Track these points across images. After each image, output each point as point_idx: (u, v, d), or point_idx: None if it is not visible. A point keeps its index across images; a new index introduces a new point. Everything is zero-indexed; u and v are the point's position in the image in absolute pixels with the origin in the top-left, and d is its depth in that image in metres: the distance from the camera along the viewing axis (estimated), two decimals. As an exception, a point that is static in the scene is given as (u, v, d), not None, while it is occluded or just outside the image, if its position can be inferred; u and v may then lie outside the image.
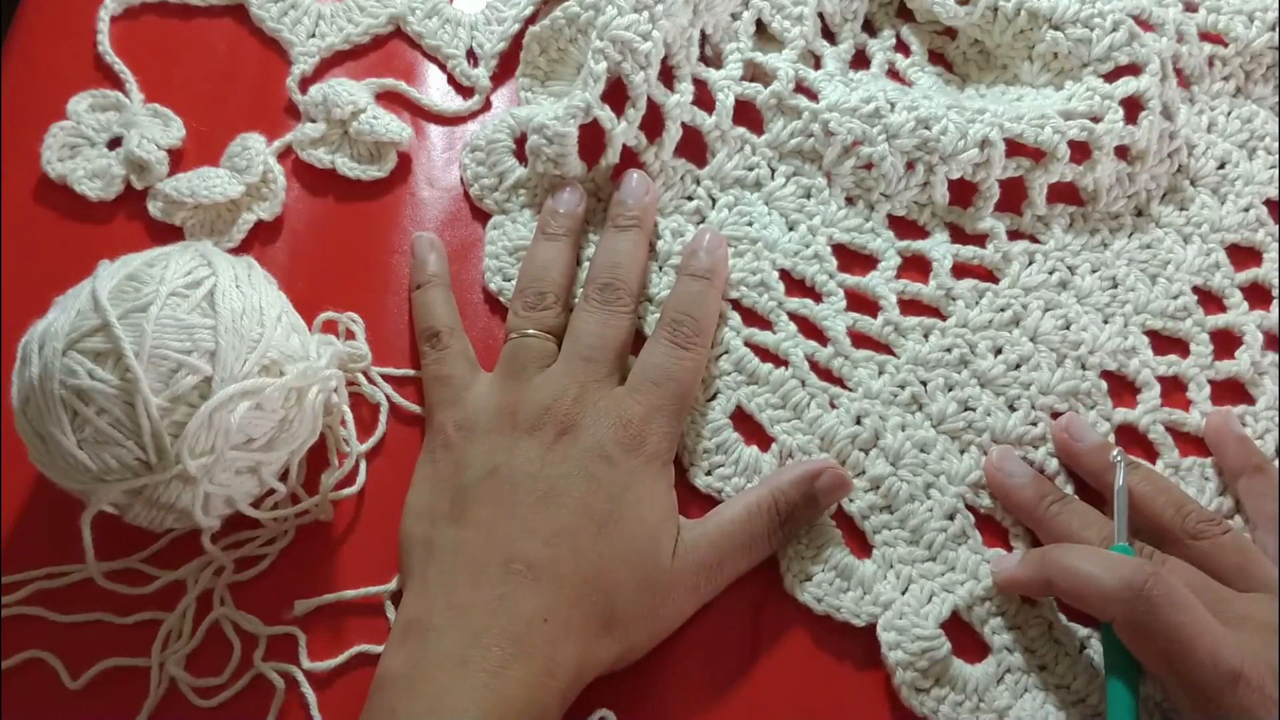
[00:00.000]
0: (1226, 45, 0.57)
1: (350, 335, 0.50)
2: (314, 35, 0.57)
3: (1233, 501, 0.49)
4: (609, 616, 0.42)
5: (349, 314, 0.51)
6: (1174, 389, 0.51)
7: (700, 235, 0.50)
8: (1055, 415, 0.50)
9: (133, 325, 0.40)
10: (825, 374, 0.50)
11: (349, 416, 0.48)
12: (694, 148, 0.54)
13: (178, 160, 0.54)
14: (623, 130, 0.51)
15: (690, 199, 0.54)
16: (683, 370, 0.47)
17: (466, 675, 0.39)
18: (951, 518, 0.48)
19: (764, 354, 0.50)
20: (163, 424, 0.40)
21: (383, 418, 0.49)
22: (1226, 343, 0.52)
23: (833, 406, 0.49)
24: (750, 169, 0.54)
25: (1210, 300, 0.53)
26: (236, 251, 0.52)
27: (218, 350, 0.41)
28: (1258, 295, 0.53)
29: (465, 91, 0.57)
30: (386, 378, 0.50)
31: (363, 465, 0.48)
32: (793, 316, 0.51)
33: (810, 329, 0.51)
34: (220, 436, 0.41)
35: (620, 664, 0.43)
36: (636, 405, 0.46)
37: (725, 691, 0.45)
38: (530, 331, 0.48)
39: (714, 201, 0.54)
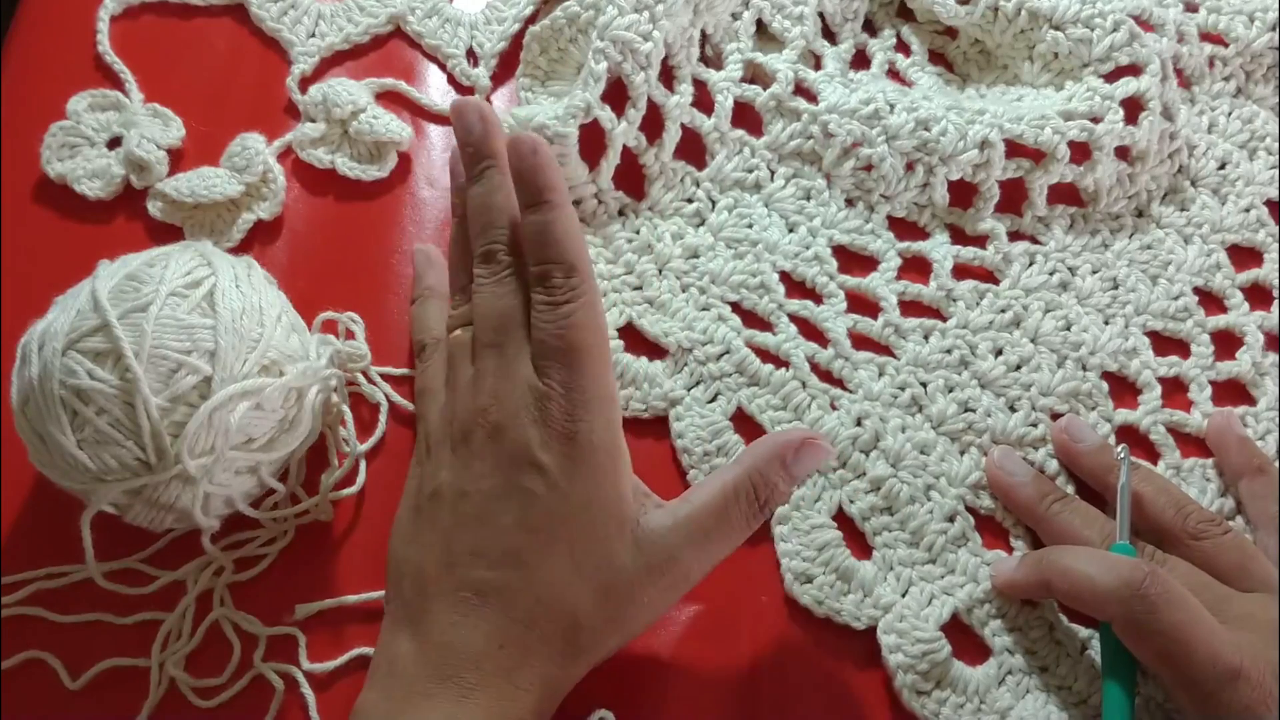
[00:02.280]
0: (1227, 45, 0.57)
1: (350, 335, 0.50)
2: (314, 35, 0.57)
3: (1234, 503, 0.49)
4: (571, 629, 0.40)
5: (349, 314, 0.50)
6: (1175, 390, 0.51)
7: (518, 145, 0.43)
8: (1056, 417, 0.50)
9: (132, 325, 0.40)
10: (826, 375, 0.50)
11: (349, 416, 0.48)
12: (693, 149, 0.54)
13: (177, 160, 0.54)
14: (623, 130, 0.51)
15: (690, 201, 0.54)
16: (574, 325, 0.41)
17: (432, 706, 0.38)
18: (952, 519, 0.48)
19: (765, 355, 0.50)
20: (162, 424, 0.40)
21: (382, 418, 0.49)
22: (1227, 343, 0.52)
23: (833, 408, 0.49)
24: (750, 171, 0.54)
25: (1211, 301, 0.53)
26: (236, 251, 0.52)
27: (217, 350, 0.41)
28: (1258, 296, 0.53)
29: (465, 91, 0.57)
30: (386, 377, 0.50)
31: (362, 465, 0.48)
32: (793, 318, 0.51)
33: (811, 330, 0.51)
34: (220, 436, 0.41)
35: (598, 663, 0.42)
36: (549, 391, 0.40)
37: (725, 693, 0.45)
38: (455, 332, 0.45)
39: (714, 203, 0.54)
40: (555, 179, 0.43)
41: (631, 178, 0.53)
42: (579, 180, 0.52)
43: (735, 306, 0.51)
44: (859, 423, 0.49)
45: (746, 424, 0.49)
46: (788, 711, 0.45)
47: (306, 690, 0.44)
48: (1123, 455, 0.47)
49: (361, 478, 0.48)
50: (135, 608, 0.45)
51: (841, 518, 0.48)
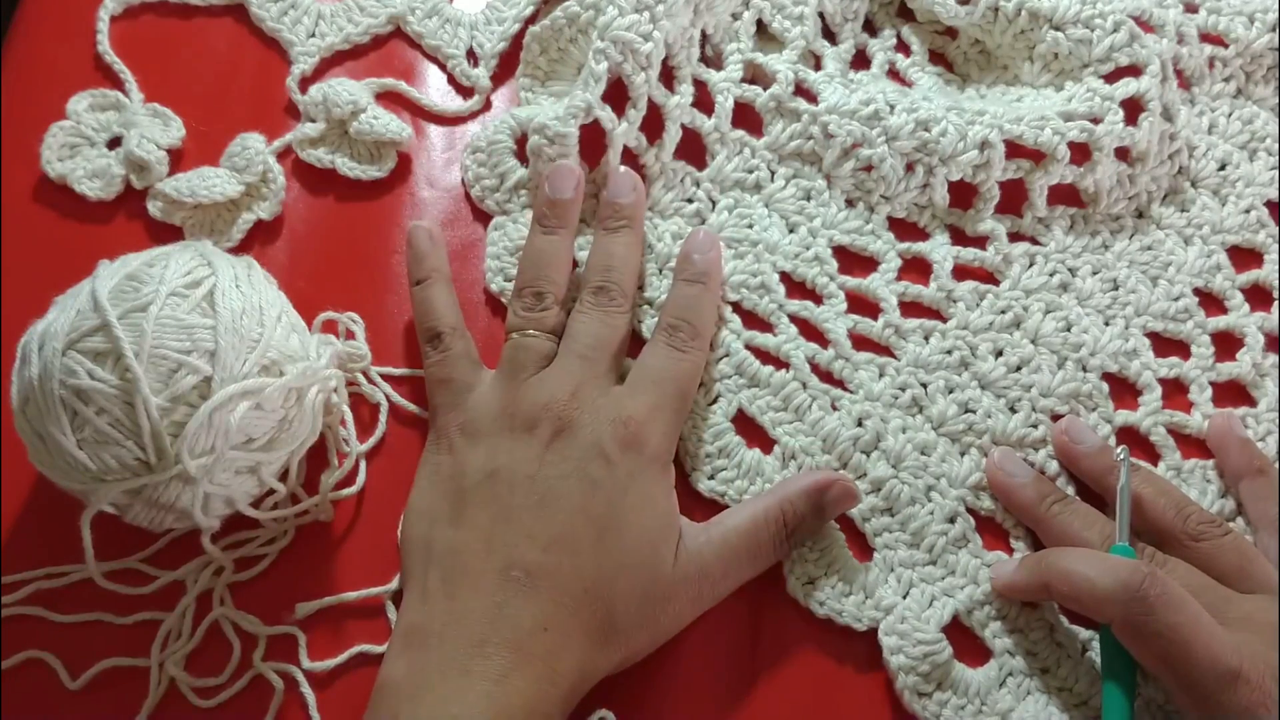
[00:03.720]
0: (1227, 46, 0.57)
1: (350, 335, 0.50)
2: (314, 35, 0.57)
3: (1234, 504, 0.49)
4: (609, 624, 0.42)
5: (349, 314, 0.50)
6: (1175, 391, 0.51)
7: (693, 237, 0.50)
8: (1056, 418, 0.50)
9: (132, 325, 0.40)
10: (826, 376, 0.50)
11: (349, 416, 0.48)
12: (693, 150, 0.54)
13: (177, 160, 0.54)
14: (623, 131, 0.51)
15: (690, 201, 0.54)
16: (681, 372, 0.47)
17: (470, 684, 0.39)
18: (952, 520, 0.48)
19: (765, 356, 0.50)
20: (162, 424, 0.40)
21: (382, 418, 0.49)
22: (1228, 344, 0.52)
23: (834, 409, 0.49)
24: (750, 171, 0.54)
25: (1211, 302, 0.53)
26: (236, 251, 0.52)
27: (217, 350, 0.41)
28: (1259, 297, 0.53)
29: (465, 91, 0.57)
30: (386, 377, 0.50)
31: (362, 465, 0.48)
32: (794, 319, 0.51)
33: (811, 331, 0.51)
34: (220, 436, 0.41)
35: (619, 669, 0.43)
36: (635, 404, 0.45)
37: (726, 694, 0.45)
38: (530, 332, 0.47)
39: (714, 204, 0.54)
40: (720, 269, 0.50)
41: (632, 178, 0.53)
42: (579, 180, 0.52)
43: (735, 307, 0.51)
44: (859, 423, 0.49)
45: (748, 425, 0.49)
46: (788, 712, 0.45)
47: (306, 690, 0.44)
48: (1123, 456, 0.47)
49: (361, 477, 0.48)
50: (135, 607, 0.45)
51: (843, 519, 0.48)
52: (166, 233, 0.52)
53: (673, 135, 0.53)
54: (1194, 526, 0.45)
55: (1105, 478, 0.47)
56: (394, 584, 0.46)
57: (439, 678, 0.40)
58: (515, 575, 0.41)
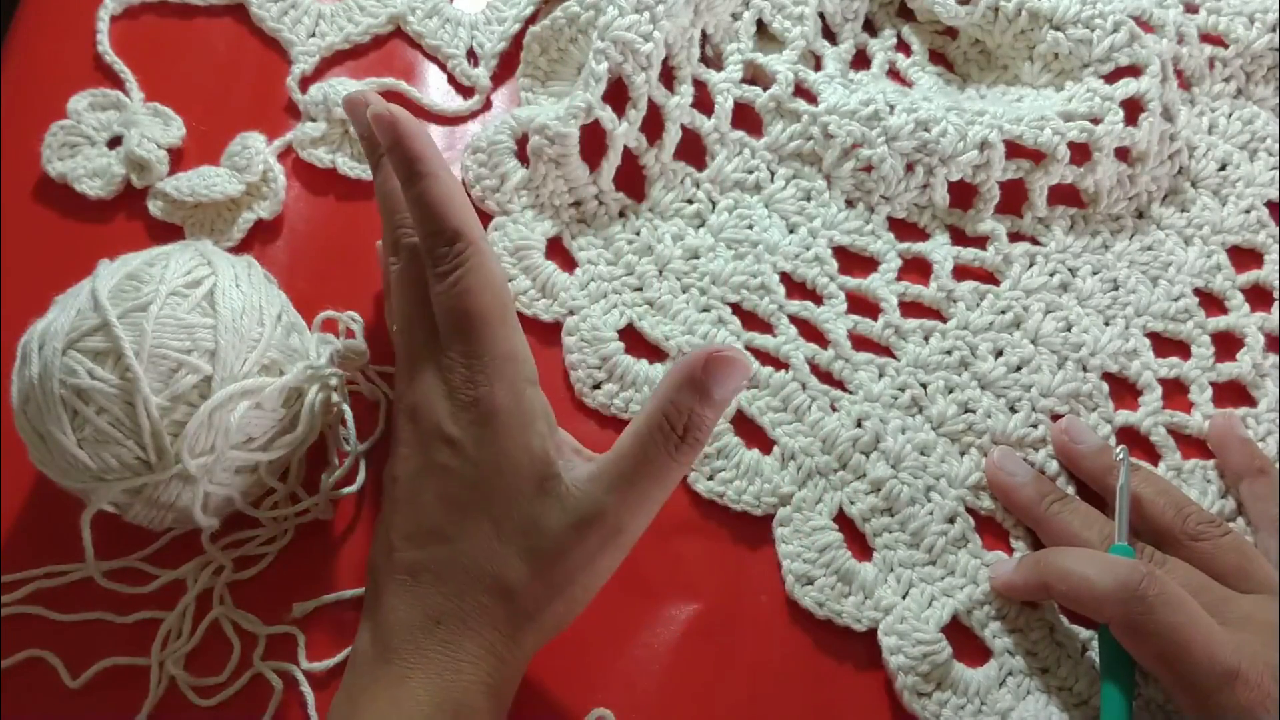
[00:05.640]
0: (1227, 47, 0.57)
1: (350, 334, 0.50)
2: (314, 35, 0.57)
3: (1234, 504, 0.49)
4: (505, 596, 0.39)
5: (349, 313, 0.50)
6: (1175, 391, 0.51)
7: (379, 121, 0.43)
8: (1056, 418, 0.50)
9: (132, 324, 0.40)
10: (826, 376, 0.50)
11: (349, 415, 0.48)
12: (693, 150, 0.54)
13: (178, 159, 0.54)
14: (624, 131, 0.51)
15: (690, 202, 0.54)
16: (464, 296, 0.40)
17: (376, 694, 0.39)
18: (952, 521, 0.48)
19: (765, 357, 0.50)
20: (162, 423, 0.40)
21: (382, 417, 0.49)
22: (1228, 345, 0.52)
23: (833, 409, 0.49)
24: (750, 172, 0.54)
25: (1211, 302, 0.53)
26: (236, 250, 0.52)
27: (217, 349, 0.41)
28: (1259, 297, 0.53)
29: (465, 91, 0.57)
30: (386, 376, 0.50)
31: (362, 464, 0.48)
32: (793, 319, 0.51)
33: (811, 332, 0.51)
34: (220, 436, 0.41)
35: (556, 632, 0.41)
36: (450, 363, 0.41)
37: (726, 694, 0.45)
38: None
39: (714, 204, 0.54)
40: (422, 148, 0.42)
41: (632, 179, 0.53)
42: (580, 181, 0.52)
43: (735, 308, 0.51)
44: (859, 424, 0.49)
45: (747, 426, 0.49)
46: (788, 713, 0.45)
47: (306, 689, 0.44)
48: (1122, 456, 0.47)
49: (361, 477, 0.48)
50: (135, 606, 0.45)
51: (842, 519, 0.48)
52: (167, 232, 0.52)
53: (673, 135, 0.53)
54: (1193, 526, 0.45)
55: (1105, 478, 0.47)
56: (394, 583, 0.46)
57: (360, 693, 0.39)
58: (400, 578, 0.40)
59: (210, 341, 0.41)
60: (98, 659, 0.44)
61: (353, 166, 0.54)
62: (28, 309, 0.43)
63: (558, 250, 0.53)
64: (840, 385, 0.50)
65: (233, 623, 0.45)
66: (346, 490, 0.48)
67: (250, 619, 0.45)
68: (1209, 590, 0.43)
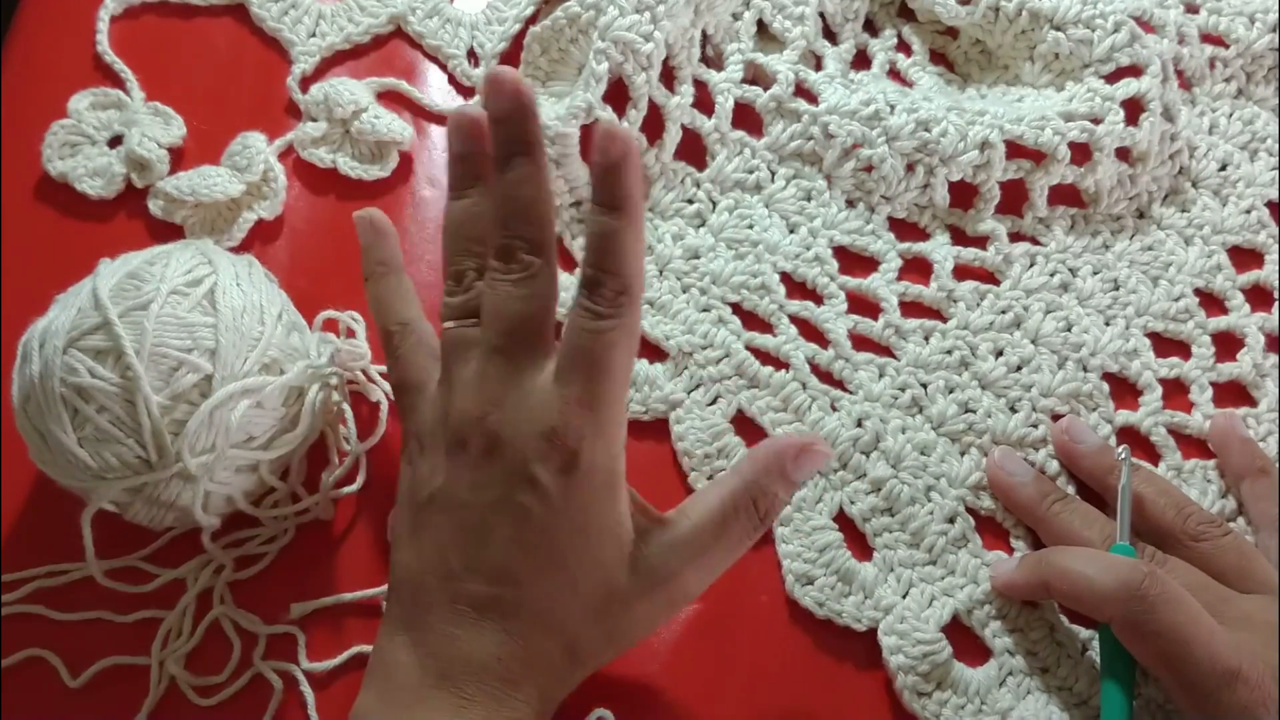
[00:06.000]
0: (1228, 47, 0.57)
1: (350, 334, 0.50)
2: (314, 34, 0.57)
3: (1235, 504, 0.49)
4: (567, 645, 0.39)
5: (349, 312, 0.50)
6: (1176, 391, 0.51)
7: (602, 135, 0.38)
8: (1056, 418, 0.50)
9: (133, 323, 0.40)
10: (826, 376, 0.50)
11: (349, 415, 0.48)
12: (694, 150, 0.54)
13: (178, 159, 0.54)
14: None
15: (691, 202, 0.54)
16: (608, 346, 0.38)
17: (430, 714, 0.38)
18: (952, 520, 0.48)
19: (765, 357, 0.50)
20: (163, 422, 0.40)
21: (382, 416, 0.49)
22: (1228, 345, 0.52)
23: (834, 409, 0.49)
24: (750, 171, 0.54)
25: (1212, 302, 0.53)
26: (237, 250, 0.52)
27: (218, 348, 0.41)
28: (1259, 297, 0.53)
29: (466, 91, 0.57)
30: (386, 376, 0.50)
31: (363, 464, 0.48)
32: (794, 319, 0.51)
33: (811, 331, 0.51)
34: (220, 434, 0.41)
35: (595, 669, 0.42)
36: (562, 408, 0.38)
37: (725, 693, 0.45)
38: (449, 324, 0.42)
39: (714, 204, 0.54)
40: (639, 190, 0.38)
41: (632, 178, 0.53)
42: (580, 181, 0.52)
43: (736, 307, 0.51)
44: (859, 424, 0.49)
45: (747, 426, 0.49)
46: (788, 713, 0.45)
47: (306, 689, 0.44)
48: (1123, 456, 0.47)
49: (362, 476, 0.48)
50: (135, 606, 0.45)
51: (842, 519, 0.48)
52: (167, 231, 0.52)
53: (673, 135, 0.53)
54: (1194, 526, 0.45)
55: (1106, 477, 0.47)
56: (392, 583, 0.46)
57: (404, 710, 0.39)
58: (461, 609, 0.39)
59: (211, 340, 0.41)
60: (98, 658, 0.44)
61: (354, 166, 0.54)
62: (28, 308, 0.43)
63: (559, 250, 0.53)
64: (840, 385, 0.50)
65: (233, 622, 0.45)
66: (347, 490, 0.48)
67: (250, 618, 0.45)
68: (1209, 590, 0.43)
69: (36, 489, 0.47)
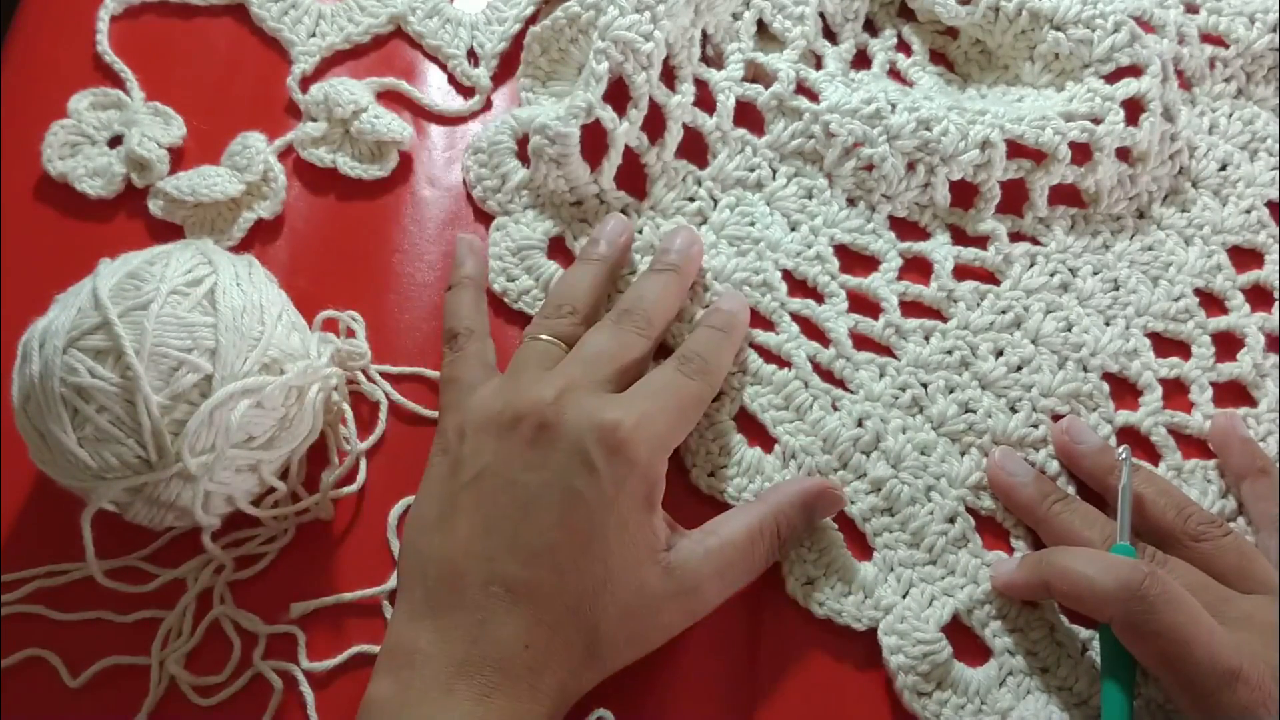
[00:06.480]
0: (1228, 47, 0.57)
1: (350, 333, 0.50)
2: (314, 35, 0.57)
3: (1235, 504, 0.49)
4: (592, 641, 0.41)
5: (349, 312, 0.50)
6: (1176, 391, 0.51)
7: (726, 297, 0.50)
8: (1057, 418, 0.50)
9: (133, 323, 0.40)
10: (827, 375, 0.50)
11: (349, 415, 0.48)
12: (695, 149, 0.54)
13: (178, 159, 0.54)
14: (625, 131, 0.51)
15: (692, 200, 0.54)
16: (683, 390, 0.45)
17: (453, 703, 0.38)
18: (952, 520, 0.48)
19: (767, 354, 0.50)
20: (163, 422, 0.40)
21: (383, 416, 0.49)
22: (1228, 345, 0.52)
23: (834, 409, 0.49)
24: (752, 170, 0.54)
25: (1212, 302, 0.53)
26: (237, 250, 0.52)
27: (218, 348, 0.41)
28: (1259, 297, 0.53)
29: (466, 91, 0.57)
30: (386, 376, 0.50)
31: (363, 463, 0.48)
32: (795, 317, 0.51)
33: (812, 330, 0.51)
34: (221, 434, 0.41)
35: (608, 675, 0.43)
36: (626, 410, 0.42)
37: (726, 694, 0.45)
38: (541, 336, 0.46)
39: (716, 202, 0.54)
40: (742, 323, 0.49)
41: (633, 177, 0.53)
42: (581, 180, 0.52)
43: (736, 306, 0.51)
44: (860, 423, 0.49)
45: (749, 423, 0.49)
46: (788, 712, 0.45)
47: (305, 689, 0.44)
48: (1124, 456, 0.47)
49: (362, 476, 0.48)
50: (135, 606, 0.45)
51: (842, 519, 0.48)
52: (167, 231, 0.52)
53: (674, 134, 0.53)
54: (1194, 527, 0.45)
55: (1106, 478, 0.47)
56: (392, 583, 0.46)
57: (422, 696, 0.39)
58: (495, 591, 0.40)
59: (211, 340, 0.41)
60: (98, 658, 0.44)
61: (353, 166, 0.54)
62: (28, 308, 0.43)
63: (560, 250, 0.53)
64: (841, 384, 0.50)
65: (233, 622, 0.45)
66: (347, 490, 0.48)
67: (250, 618, 0.45)
68: (1209, 590, 0.43)
69: (36, 489, 0.47)
